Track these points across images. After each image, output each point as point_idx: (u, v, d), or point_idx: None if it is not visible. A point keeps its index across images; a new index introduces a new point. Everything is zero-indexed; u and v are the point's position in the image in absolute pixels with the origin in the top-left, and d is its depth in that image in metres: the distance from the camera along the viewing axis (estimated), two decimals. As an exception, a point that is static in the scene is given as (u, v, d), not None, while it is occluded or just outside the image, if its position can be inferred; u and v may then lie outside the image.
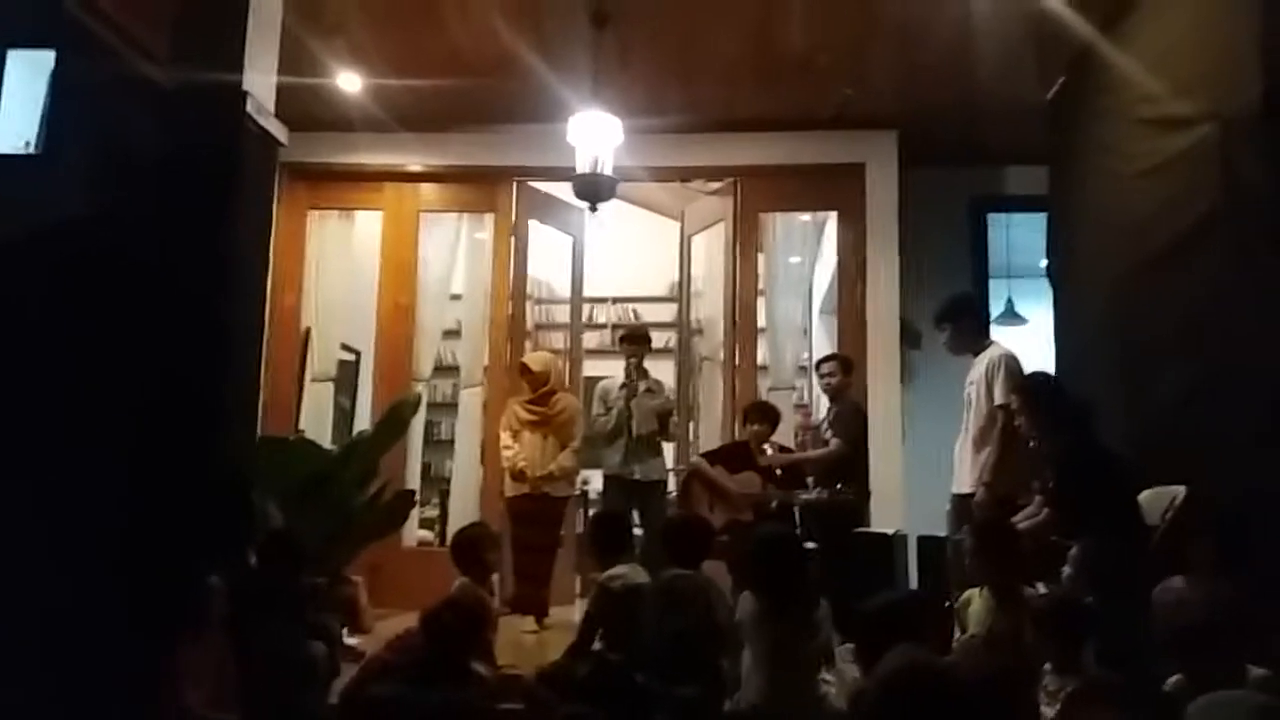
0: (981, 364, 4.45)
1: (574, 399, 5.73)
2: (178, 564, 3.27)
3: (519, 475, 5.29)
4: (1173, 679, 2.64)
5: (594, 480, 6.94)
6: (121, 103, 3.67)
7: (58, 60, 3.63)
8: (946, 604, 3.97)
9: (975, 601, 3.35)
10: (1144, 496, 3.65)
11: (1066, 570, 3.39)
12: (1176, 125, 3.86)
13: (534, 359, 5.63)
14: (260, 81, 4.01)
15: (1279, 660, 2.57)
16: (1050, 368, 5.00)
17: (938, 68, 5.35)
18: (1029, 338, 6.14)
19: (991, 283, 6.86)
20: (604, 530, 3.88)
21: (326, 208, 6.77)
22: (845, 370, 5.40)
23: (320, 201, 6.71)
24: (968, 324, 4.63)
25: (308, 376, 6.70)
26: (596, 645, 3.59)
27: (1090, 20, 4.62)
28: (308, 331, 6.70)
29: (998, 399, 4.28)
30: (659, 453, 5.48)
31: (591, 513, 7.11)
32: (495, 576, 4.17)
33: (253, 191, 3.99)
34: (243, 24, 3.91)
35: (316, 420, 6.59)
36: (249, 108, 3.86)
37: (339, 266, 6.80)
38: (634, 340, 5.61)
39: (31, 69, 3.63)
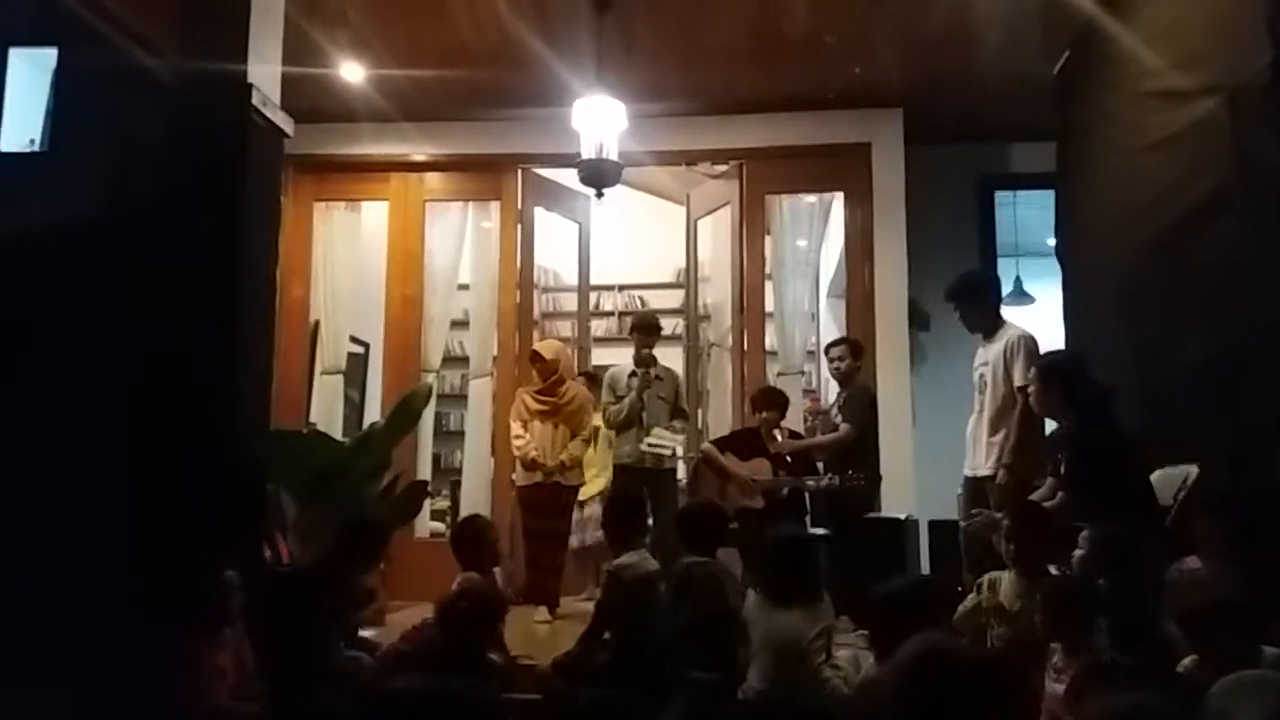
0: (998, 345, 4.41)
1: (583, 388, 5.73)
2: (195, 558, 3.29)
3: (530, 464, 5.30)
4: (1188, 659, 2.64)
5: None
6: (126, 98, 3.67)
7: (60, 57, 3.62)
8: (959, 588, 3.98)
9: (1005, 581, 3.35)
10: (1155, 476, 3.64)
11: (1078, 553, 3.39)
12: (1184, 97, 3.82)
13: (545, 347, 5.62)
14: (265, 73, 4.00)
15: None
16: (1060, 346, 4.97)
17: (942, 44, 5.31)
18: (1037, 316, 6.11)
19: (999, 261, 6.83)
20: (621, 513, 3.88)
21: (332, 199, 6.77)
22: (854, 354, 5.38)
23: (326, 193, 6.72)
24: (982, 302, 4.58)
25: (317, 369, 6.71)
26: (608, 635, 3.59)
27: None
28: (316, 324, 6.71)
29: (1017, 381, 4.25)
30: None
31: (604, 499, 7.16)
32: (497, 569, 4.16)
33: (260, 184, 3.98)
34: (246, 16, 3.89)
35: (326, 413, 6.60)
36: (254, 100, 3.85)
37: (346, 258, 6.80)
38: (645, 329, 5.58)
39: (34, 67, 3.62)
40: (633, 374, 5.43)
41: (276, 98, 4.11)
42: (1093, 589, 2.98)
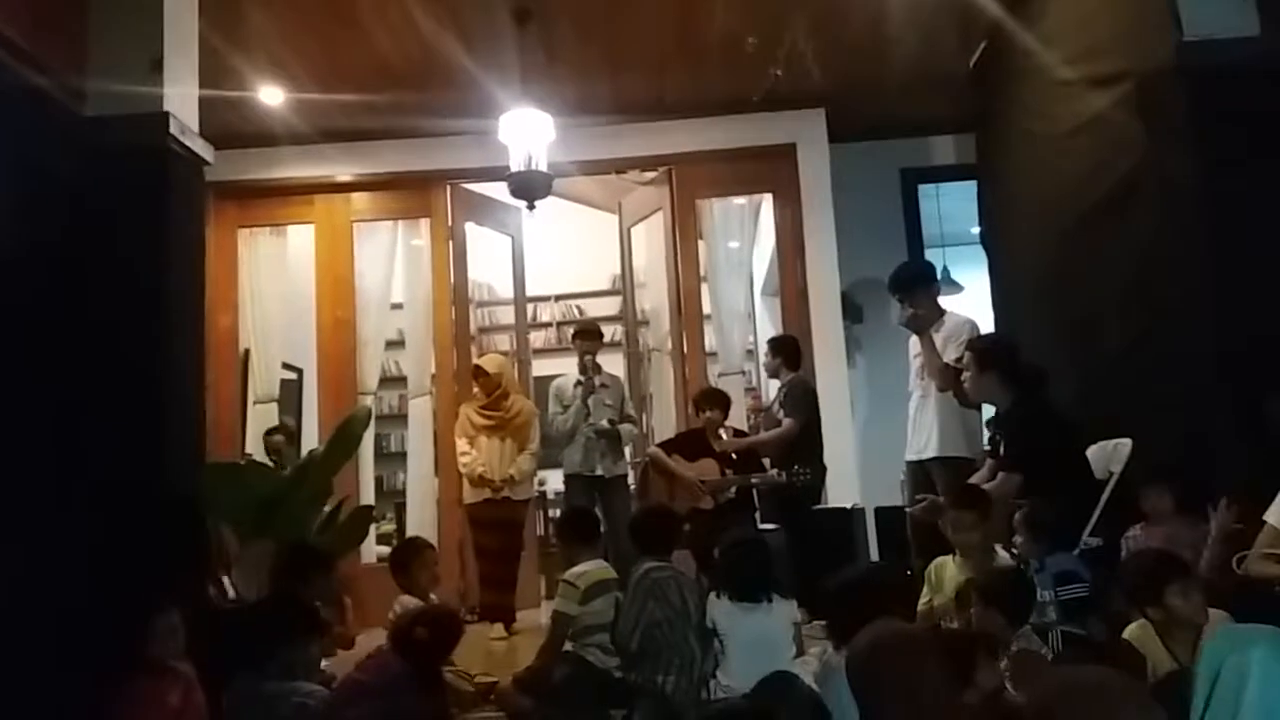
0: (941, 333, 4.47)
1: (528, 401, 5.70)
2: (134, 599, 3.19)
3: (479, 481, 5.24)
4: (1134, 624, 2.70)
5: (550, 480, 6.92)
6: (35, 129, 3.55)
7: (-42, 88, 3.48)
8: (909, 572, 4.05)
9: (949, 566, 3.42)
10: (1091, 451, 3.75)
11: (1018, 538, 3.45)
12: (1097, 84, 3.96)
13: (488, 361, 5.58)
14: (182, 100, 3.90)
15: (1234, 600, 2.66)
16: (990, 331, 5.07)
17: (860, 43, 5.41)
18: (966, 303, 6.26)
19: (926, 252, 6.97)
20: (572, 526, 3.86)
21: (257, 225, 6.65)
22: (774, 352, 5.41)
23: (250, 219, 6.59)
24: (928, 292, 4.59)
25: (250, 398, 6.57)
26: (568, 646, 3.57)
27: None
28: (246, 353, 6.57)
29: (947, 357, 4.32)
30: (620, 449, 5.47)
31: (553, 513, 7.13)
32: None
33: (182, 214, 3.87)
34: (159, 42, 3.79)
35: (262, 443, 6.46)
36: (172, 128, 3.75)
37: (274, 284, 6.68)
38: (586, 335, 5.57)
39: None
40: (578, 383, 5.42)
41: (195, 124, 4.01)
42: (1023, 582, 3.03)
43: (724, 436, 5.36)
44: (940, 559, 3.52)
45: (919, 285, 4.59)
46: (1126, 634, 2.70)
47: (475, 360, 5.83)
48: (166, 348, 3.74)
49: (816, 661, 3.01)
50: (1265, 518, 2.80)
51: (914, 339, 4.64)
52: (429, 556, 4.05)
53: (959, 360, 4.19)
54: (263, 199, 6.52)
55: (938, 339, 4.46)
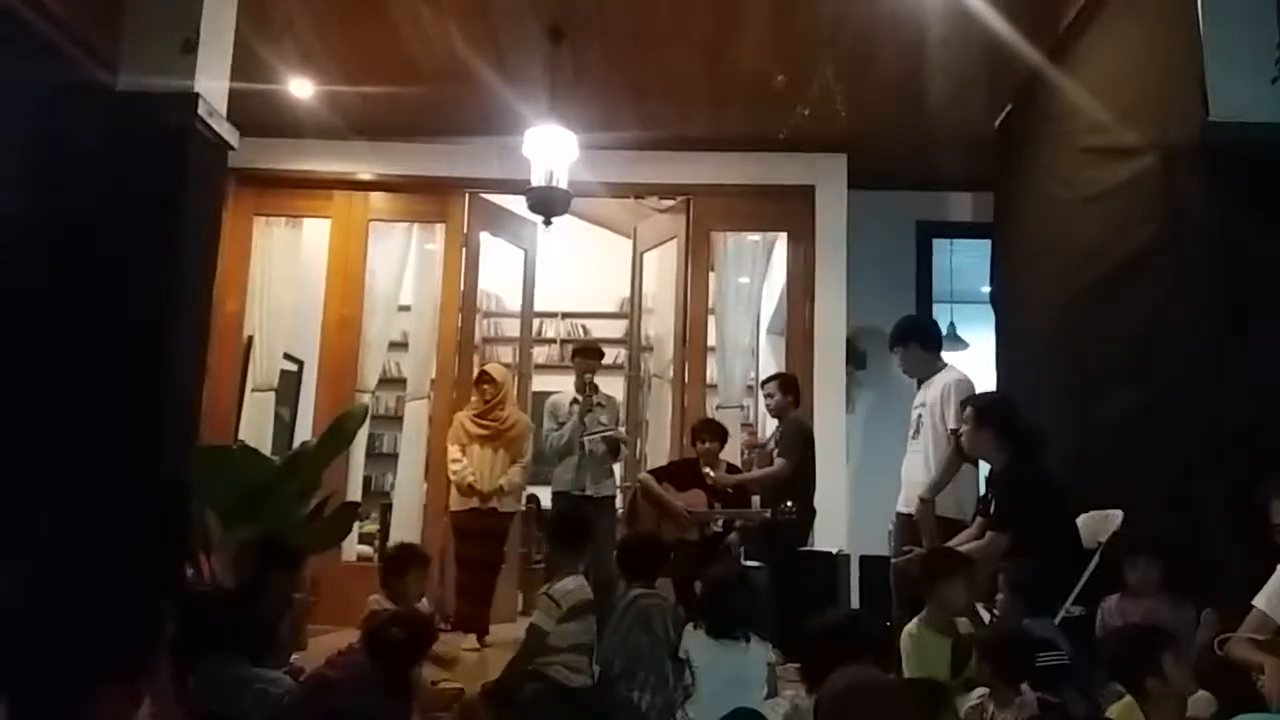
0: (936, 387, 4.48)
1: (524, 414, 5.70)
2: (115, 577, 3.18)
3: (467, 489, 5.23)
4: (1119, 702, 2.66)
5: (540, 495, 6.90)
6: (66, 104, 3.59)
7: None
8: (888, 623, 4.01)
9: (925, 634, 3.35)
10: (1081, 520, 3.72)
11: (1000, 596, 3.43)
12: (1119, 154, 3.98)
13: (494, 369, 5.60)
14: (212, 84, 3.94)
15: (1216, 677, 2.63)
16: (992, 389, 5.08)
17: (888, 93, 5.45)
18: (970, 361, 6.26)
19: (935, 306, 6.99)
20: (563, 535, 3.83)
21: (273, 214, 6.68)
22: (784, 389, 5.39)
23: (267, 208, 6.62)
24: (923, 346, 4.66)
25: (248, 385, 6.57)
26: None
27: (1036, 50, 4.74)
28: (250, 340, 6.58)
29: (950, 424, 4.32)
30: (610, 471, 5.46)
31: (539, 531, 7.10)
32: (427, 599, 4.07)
33: (201, 196, 3.91)
34: (194, 24, 3.84)
35: (256, 430, 6.46)
36: (200, 110, 3.79)
37: (284, 274, 6.70)
38: (586, 354, 5.58)
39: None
40: (574, 401, 5.41)
41: (223, 108, 4.06)
42: (1023, 640, 3.00)
43: (712, 473, 5.32)
44: (914, 625, 3.44)
45: (905, 341, 4.64)
46: (1111, 712, 2.66)
47: (483, 366, 5.84)
48: (171, 326, 3.76)
49: (787, 704, 2.98)
50: (1254, 602, 2.78)
51: (923, 391, 4.65)
52: (424, 568, 4.00)
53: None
54: (282, 189, 6.55)
55: (931, 391, 4.48)
